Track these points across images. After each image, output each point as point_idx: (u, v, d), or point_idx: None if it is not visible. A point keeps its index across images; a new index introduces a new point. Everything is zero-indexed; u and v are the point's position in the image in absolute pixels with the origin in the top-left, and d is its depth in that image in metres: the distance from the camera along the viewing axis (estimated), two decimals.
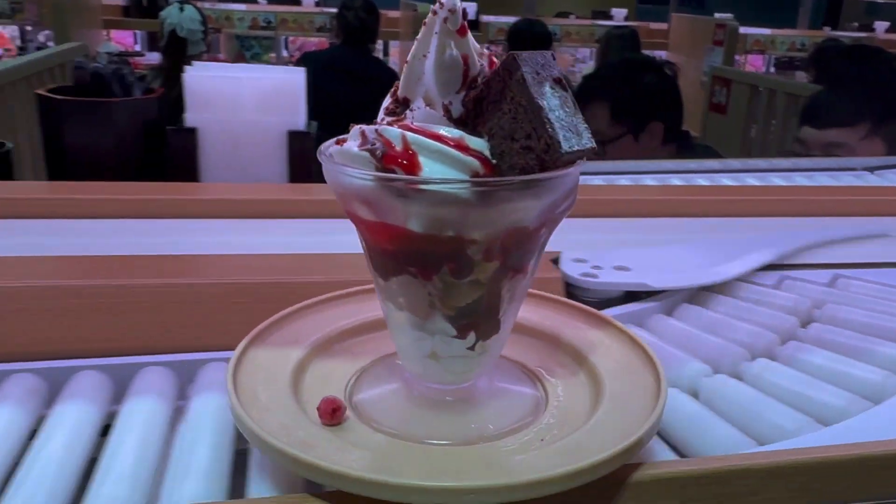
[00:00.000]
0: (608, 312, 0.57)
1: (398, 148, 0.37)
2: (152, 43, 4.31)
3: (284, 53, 4.34)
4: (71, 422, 0.48)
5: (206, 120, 0.87)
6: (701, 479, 0.40)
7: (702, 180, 1.10)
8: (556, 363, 0.49)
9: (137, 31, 4.16)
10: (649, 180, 1.10)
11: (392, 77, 3.15)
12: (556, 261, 0.66)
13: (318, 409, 0.41)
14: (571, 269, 0.64)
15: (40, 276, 0.56)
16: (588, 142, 0.38)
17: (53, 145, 0.86)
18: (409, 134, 0.37)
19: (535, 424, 0.42)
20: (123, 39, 4.06)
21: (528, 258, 0.41)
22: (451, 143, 0.37)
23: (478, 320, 0.41)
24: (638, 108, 1.59)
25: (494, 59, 0.41)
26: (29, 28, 4.03)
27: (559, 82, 0.39)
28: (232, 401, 0.41)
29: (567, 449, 0.39)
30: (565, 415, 0.43)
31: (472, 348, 0.42)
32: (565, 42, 4.18)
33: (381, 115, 0.40)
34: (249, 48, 4.42)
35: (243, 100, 0.85)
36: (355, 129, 0.39)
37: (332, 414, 0.41)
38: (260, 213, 0.75)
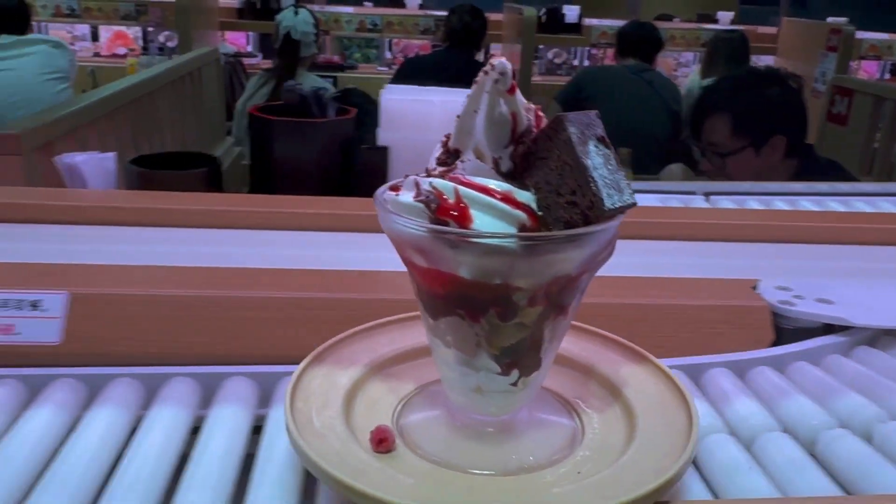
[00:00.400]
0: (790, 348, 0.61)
1: (451, 200, 0.40)
2: (262, 44, 4.51)
3: (388, 55, 4.44)
4: (164, 423, 0.53)
5: (397, 139, 0.94)
6: None
7: (835, 204, 1.08)
8: (592, 395, 0.51)
9: (250, 33, 4.35)
10: (779, 202, 1.09)
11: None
12: (754, 287, 0.68)
13: (371, 437, 0.45)
14: (772, 296, 0.66)
15: (199, 285, 0.62)
16: (629, 198, 0.40)
17: (260, 159, 0.95)
18: (461, 187, 0.40)
19: (571, 457, 0.45)
20: (236, 40, 4.26)
21: (570, 301, 0.44)
22: (500, 197, 0.40)
23: (521, 359, 0.44)
24: (761, 121, 1.55)
25: (540, 115, 0.44)
26: (150, 29, 4.29)
27: (602, 140, 0.41)
28: (289, 426, 0.44)
29: (604, 483, 0.42)
30: (601, 447, 0.46)
31: (514, 384, 0.45)
32: (668, 46, 4.09)
33: (432, 163, 0.43)
34: (348, 49, 4.54)
35: (433, 120, 0.92)
36: (410, 179, 0.41)
37: (380, 443, 0.45)
38: None
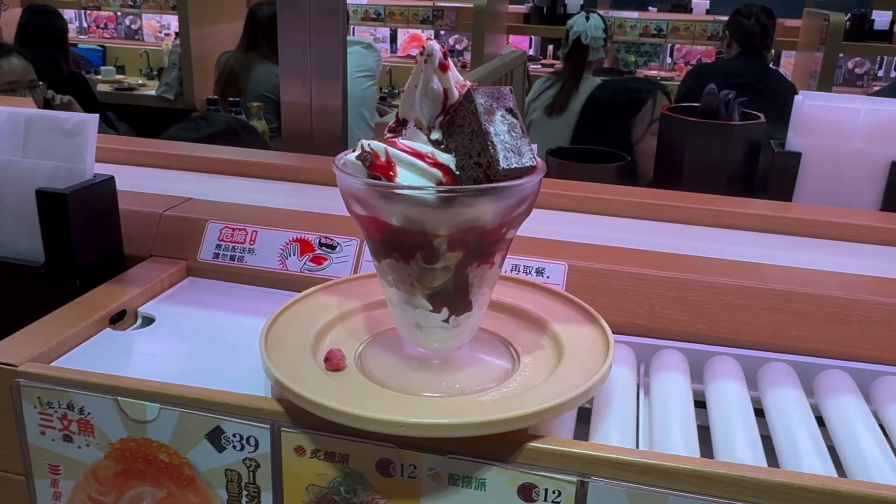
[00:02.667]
0: None
1: (382, 159, 0.47)
2: (543, 47, 4.64)
3: (668, 61, 4.36)
4: (666, 388, 0.59)
5: (811, 146, 0.96)
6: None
7: None
8: (528, 336, 0.59)
9: (533, 37, 4.48)
10: None
11: (793, 90, 3.01)
12: None
13: (326, 358, 0.54)
14: None
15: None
16: (529, 161, 0.46)
17: (668, 156, 1.02)
18: (390, 148, 0.47)
19: (497, 389, 0.52)
20: (520, 44, 4.41)
21: (493, 252, 0.50)
22: (422, 157, 0.47)
23: (449, 299, 0.51)
24: None
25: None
26: (442, 33, 4.57)
27: (511, 111, 0.47)
28: (260, 344, 0.53)
29: (522, 399, 0.49)
30: (529, 378, 0.53)
31: (446, 321, 0.52)
32: None
33: (385, 131, 0.51)
34: (618, 52, 4.51)
35: (855, 129, 0.92)
36: (360, 141, 0.48)
37: (326, 360, 0.54)
38: (849, 237, 0.82)
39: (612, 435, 0.53)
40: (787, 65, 4.00)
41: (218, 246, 0.73)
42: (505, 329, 0.60)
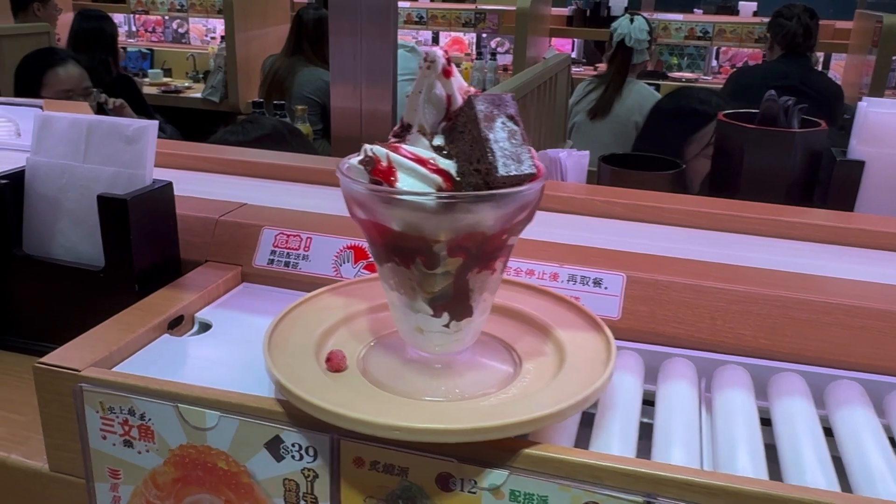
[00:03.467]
0: None
1: (383, 164, 0.47)
2: (586, 51, 4.60)
3: (714, 64, 4.30)
4: (731, 405, 0.58)
5: (876, 154, 0.93)
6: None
7: None
8: (532, 342, 0.58)
9: (576, 40, 4.45)
10: None
11: (840, 92, 2.94)
12: None
13: (327, 359, 0.54)
14: None
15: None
16: (528, 168, 0.45)
17: (725, 163, 1.00)
18: (391, 153, 0.47)
19: (496, 394, 0.51)
20: (562, 47, 4.38)
21: (493, 258, 0.50)
22: (423, 163, 0.47)
23: (450, 304, 0.50)
24: None
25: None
26: (484, 35, 4.57)
27: (512, 118, 0.47)
28: (264, 347, 0.53)
29: (521, 404, 0.49)
30: (530, 384, 0.53)
31: (447, 326, 0.51)
32: None
33: (389, 136, 0.50)
34: (661, 55, 4.44)
35: None
36: (364, 146, 0.48)
37: (327, 361, 0.54)
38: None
39: (675, 452, 0.52)
40: (838, 68, 3.92)
41: (273, 252, 0.73)
42: (508, 334, 0.59)
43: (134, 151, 0.70)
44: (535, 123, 2.21)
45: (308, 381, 0.51)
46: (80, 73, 2.49)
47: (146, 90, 4.03)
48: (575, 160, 0.97)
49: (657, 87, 3.72)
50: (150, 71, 4.52)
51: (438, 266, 0.49)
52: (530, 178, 0.46)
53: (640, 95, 3.13)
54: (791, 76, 2.76)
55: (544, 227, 0.81)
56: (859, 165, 0.89)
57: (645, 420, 0.59)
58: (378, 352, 0.58)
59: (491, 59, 4.23)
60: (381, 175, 0.47)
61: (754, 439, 0.53)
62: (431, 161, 0.48)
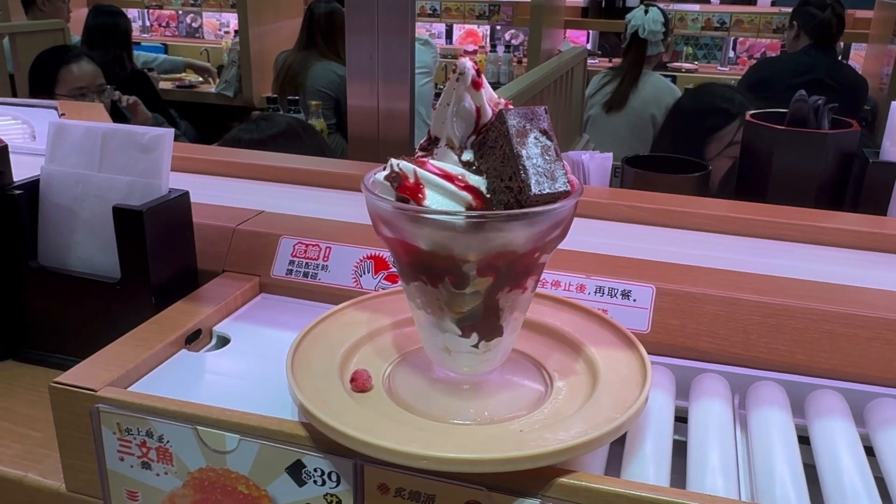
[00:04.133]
0: None
1: (411, 180, 0.45)
2: (601, 43, 4.55)
3: (731, 55, 4.24)
4: (766, 425, 0.56)
5: None
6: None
7: None
8: (563, 360, 0.56)
9: (591, 31, 4.41)
10: None
11: (865, 85, 2.88)
12: None
13: (351, 379, 0.52)
14: None
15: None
16: (562, 186, 0.43)
17: (753, 166, 0.97)
18: (419, 169, 0.45)
19: (527, 417, 0.49)
20: (577, 39, 4.33)
21: (524, 277, 0.48)
22: (452, 179, 0.45)
23: (479, 324, 0.49)
24: None
25: (510, 108, 0.46)
26: (498, 27, 4.53)
27: (545, 133, 0.45)
28: (287, 364, 0.52)
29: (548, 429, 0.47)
30: (562, 407, 0.50)
31: (476, 346, 0.50)
32: None
33: (417, 149, 0.48)
34: (677, 45, 4.38)
35: None
36: (390, 160, 0.46)
37: (352, 381, 0.52)
38: None
39: (711, 479, 0.50)
40: (857, 58, 3.85)
41: (291, 262, 0.72)
42: (537, 350, 0.58)
43: (150, 160, 0.69)
44: (552, 118, 2.18)
45: (332, 403, 0.49)
46: (95, 70, 2.48)
47: (160, 86, 4.03)
48: (598, 162, 0.95)
49: (673, 79, 3.68)
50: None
51: (468, 286, 0.47)
52: (564, 195, 0.44)
53: (656, 88, 3.09)
54: (817, 69, 2.70)
55: (570, 234, 0.80)
56: (893, 167, 0.87)
57: (678, 437, 0.57)
58: (404, 370, 0.56)
59: (505, 52, 4.19)
60: (407, 192, 0.45)
61: (794, 463, 0.51)
62: (460, 177, 0.46)
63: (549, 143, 0.45)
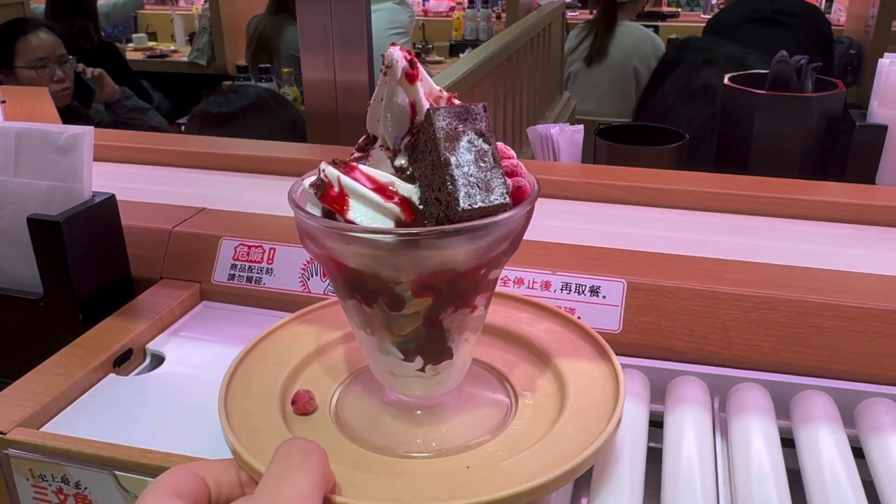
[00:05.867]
0: None
1: (335, 189, 0.39)
2: None
3: (713, 1, 4.14)
4: (747, 433, 0.51)
5: None
6: None
7: None
8: (530, 373, 0.50)
9: None
10: None
11: (817, 12, 2.71)
12: None
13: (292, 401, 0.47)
14: None
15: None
16: (499, 198, 0.37)
17: (732, 134, 0.90)
18: (343, 177, 0.39)
19: (490, 443, 0.44)
20: None
21: (471, 296, 0.42)
22: (379, 189, 0.39)
23: (422, 348, 0.43)
24: None
25: (454, 102, 0.41)
26: None
27: (482, 135, 0.38)
28: (220, 394, 0.46)
29: (518, 466, 0.41)
30: (525, 431, 0.45)
31: (422, 370, 0.44)
32: None
33: (354, 149, 0.43)
34: None
35: None
36: (322, 163, 0.40)
37: (293, 403, 0.47)
38: None
39: (686, 496, 0.45)
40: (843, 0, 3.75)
41: (233, 266, 0.66)
42: (504, 361, 0.52)
43: (69, 163, 0.62)
44: (531, 78, 2.11)
45: (263, 431, 0.44)
46: (54, 41, 2.38)
47: (130, 56, 3.91)
48: (568, 136, 0.88)
49: (656, 29, 3.59)
50: (133, 35, 4.38)
51: (404, 307, 0.41)
52: (500, 209, 0.38)
53: (636, 38, 3.01)
54: (762, 7, 2.57)
55: (535, 219, 0.74)
56: (881, 130, 0.81)
57: (653, 445, 0.53)
58: (355, 390, 0.51)
59: (484, 7, 4.08)
60: (331, 203, 0.40)
61: (778, 476, 0.47)
62: (391, 186, 0.40)
63: (485, 146, 0.38)
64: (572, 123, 2.70)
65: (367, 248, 0.39)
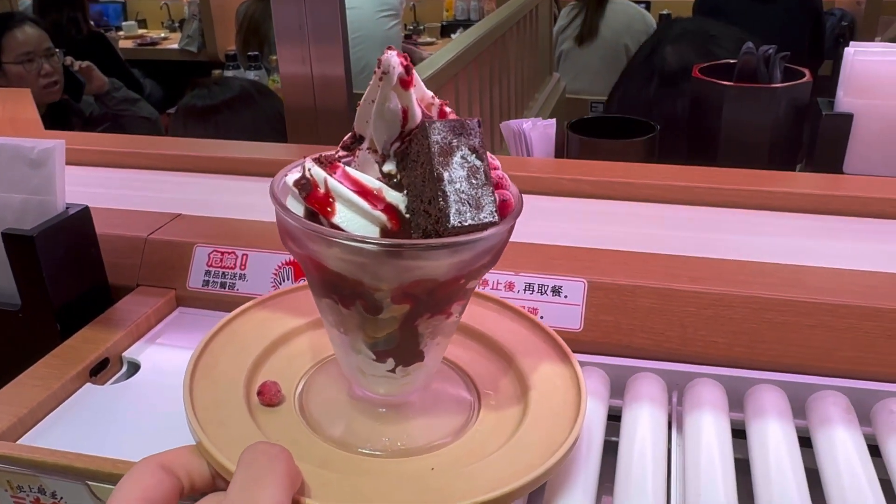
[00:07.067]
0: None
1: (321, 191, 0.39)
2: None
3: None
4: (700, 428, 0.53)
5: (864, 106, 0.84)
6: None
7: None
8: (495, 374, 0.52)
9: None
10: None
11: None
12: None
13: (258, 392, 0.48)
14: None
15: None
16: (488, 216, 0.38)
17: (701, 126, 0.91)
18: (330, 179, 0.39)
19: (454, 444, 0.45)
20: None
21: (447, 304, 0.43)
22: (366, 195, 0.39)
23: (395, 350, 0.44)
24: None
25: (447, 110, 0.41)
26: None
27: (475, 151, 0.39)
28: (185, 383, 0.46)
29: (483, 471, 0.42)
30: (489, 433, 0.46)
31: (392, 371, 0.45)
32: None
33: (339, 146, 0.43)
34: None
35: None
36: (306, 160, 0.41)
37: (259, 394, 0.48)
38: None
39: (637, 487, 0.47)
40: None
41: (207, 272, 0.67)
42: (470, 361, 0.53)
43: (41, 176, 0.64)
44: (518, 61, 2.11)
45: (229, 423, 0.44)
46: (40, 35, 2.38)
47: (121, 44, 3.90)
48: (540, 131, 0.89)
49: (647, 6, 3.57)
50: (123, 23, 4.37)
51: (381, 312, 0.42)
52: (489, 227, 0.38)
53: (627, 16, 3.00)
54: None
55: None
56: (847, 119, 0.82)
57: (612, 439, 0.55)
58: (321, 380, 0.51)
59: None
60: (316, 204, 0.39)
61: (726, 469, 0.49)
62: (377, 192, 0.40)
63: (478, 163, 0.38)
64: (562, 104, 2.68)
65: (351, 255, 0.39)
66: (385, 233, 0.39)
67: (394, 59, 0.39)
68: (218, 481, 0.40)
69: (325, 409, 0.49)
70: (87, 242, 0.65)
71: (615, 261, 0.63)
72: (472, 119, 0.39)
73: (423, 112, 0.40)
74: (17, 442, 0.52)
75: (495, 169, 0.41)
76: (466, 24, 3.59)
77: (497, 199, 0.39)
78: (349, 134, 0.43)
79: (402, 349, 0.45)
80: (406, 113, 0.40)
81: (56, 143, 0.63)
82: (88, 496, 0.48)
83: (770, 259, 0.63)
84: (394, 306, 0.41)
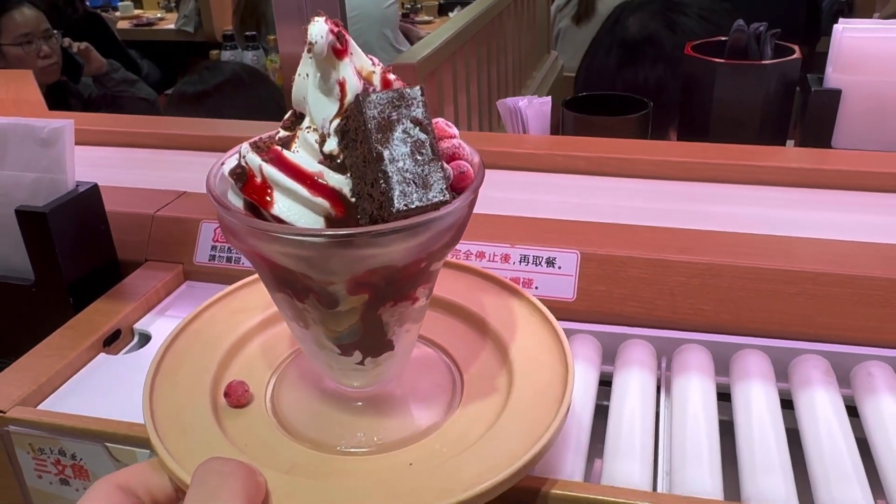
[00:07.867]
0: None
1: (258, 180, 0.36)
2: None
3: None
4: (689, 391, 0.55)
5: (853, 82, 0.86)
6: None
7: None
8: (477, 352, 0.49)
9: None
10: None
11: None
12: None
13: (225, 393, 0.45)
14: None
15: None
16: (437, 195, 0.34)
17: (692, 103, 0.93)
18: (265, 166, 0.36)
19: (435, 436, 0.42)
20: None
21: (411, 289, 0.39)
22: (305, 181, 0.35)
23: (360, 343, 0.41)
24: None
25: (390, 79, 0.38)
26: None
27: (419, 124, 0.35)
28: (146, 384, 0.45)
29: (461, 465, 0.39)
30: (471, 422, 0.43)
31: (361, 364, 0.42)
32: None
33: (279, 127, 0.39)
34: None
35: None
36: (244, 145, 0.37)
37: (225, 395, 0.45)
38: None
39: (626, 464, 0.49)
40: None
41: (213, 247, 0.70)
42: (451, 339, 0.50)
43: (52, 155, 0.66)
44: (516, 39, 2.12)
45: (191, 431, 0.42)
46: (38, 16, 2.39)
47: (117, 25, 3.89)
48: (536, 109, 0.91)
49: None
50: (119, 4, 4.35)
51: (338, 305, 0.38)
52: (440, 206, 0.35)
53: None
54: None
55: (500, 191, 0.78)
56: (836, 95, 0.84)
57: (603, 403, 0.57)
58: (292, 377, 0.48)
59: None
60: (253, 195, 0.36)
61: (711, 430, 0.51)
62: (319, 178, 0.35)
63: (423, 137, 0.34)
64: (560, 82, 2.68)
65: (294, 249, 0.36)
66: (330, 221, 0.36)
67: (321, 27, 0.35)
68: (181, 496, 0.38)
69: (297, 407, 0.46)
70: (97, 219, 0.68)
71: (607, 233, 0.65)
72: (413, 87, 0.35)
73: (364, 83, 0.37)
74: (38, 407, 0.54)
75: (451, 138, 0.38)
76: (464, 2, 3.58)
77: (450, 174, 0.37)
78: (289, 113, 0.39)
79: (369, 340, 0.41)
80: (343, 86, 0.36)
81: (66, 123, 0.65)
82: (107, 457, 0.50)
83: (758, 231, 0.66)
84: (350, 298, 0.38)
